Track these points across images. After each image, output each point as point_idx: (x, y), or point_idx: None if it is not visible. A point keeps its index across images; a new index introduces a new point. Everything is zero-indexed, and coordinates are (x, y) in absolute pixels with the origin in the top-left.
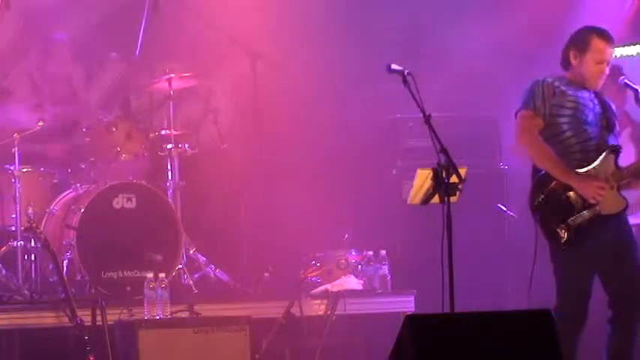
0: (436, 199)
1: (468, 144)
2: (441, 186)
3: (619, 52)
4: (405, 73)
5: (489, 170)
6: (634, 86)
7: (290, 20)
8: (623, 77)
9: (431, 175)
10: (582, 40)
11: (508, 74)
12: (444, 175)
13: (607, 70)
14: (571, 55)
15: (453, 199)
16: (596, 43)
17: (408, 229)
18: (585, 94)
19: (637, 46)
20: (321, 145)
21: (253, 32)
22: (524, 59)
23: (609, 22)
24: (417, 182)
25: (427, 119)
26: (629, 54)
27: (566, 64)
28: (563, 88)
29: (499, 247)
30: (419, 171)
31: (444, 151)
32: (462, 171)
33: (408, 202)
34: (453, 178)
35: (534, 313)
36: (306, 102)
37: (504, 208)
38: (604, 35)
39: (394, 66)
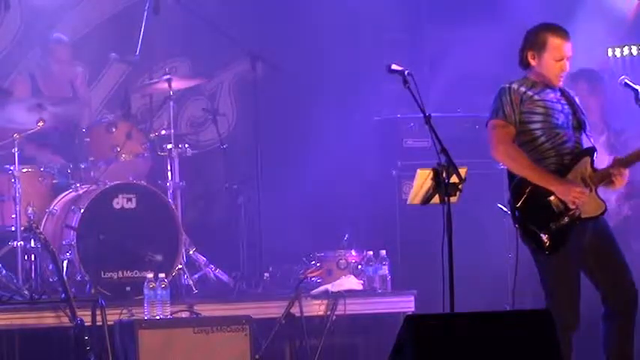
0: (436, 199)
1: (468, 144)
2: (441, 186)
3: (619, 52)
4: (405, 73)
5: (489, 170)
6: (634, 86)
7: (290, 20)
8: (623, 77)
9: (431, 175)
10: (538, 39)
11: (508, 74)
12: (444, 175)
13: (567, 67)
14: (529, 56)
15: (453, 199)
16: (553, 41)
17: (408, 229)
18: (551, 95)
19: (637, 46)
20: (321, 144)
21: (253, 32)
22: None
23: (610, 21)
24: (417, 182)
25: (427, 119)
26: (629, 54)
27: (525, 65)
28: (530, 93)
29: (499, 247)
30: (419, 171)
31: (444, 151)
32: (462, 171)
33: (408, 202)
34: (453, 178)
35: (534, 313)
36: (306, 102)
37: (504, 208)
38: (559, 32)
39: (394, 66)
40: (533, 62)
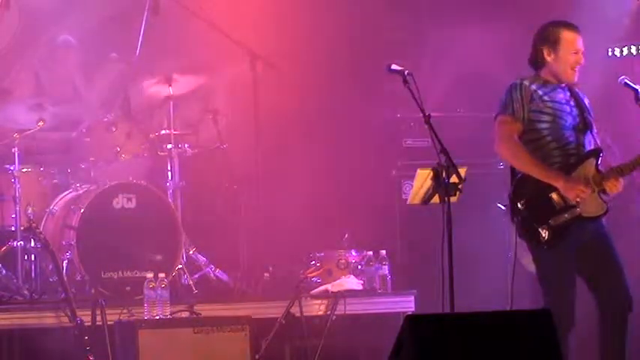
0: (436, 199)
1: (468, 144)
2: (441, 186)
3: (618, 52)
4: (405, 73)
5: (489, 170)
6: (634, 86)
7: (289, 20)
8: (623, 77)
9: (431, 175)
10: (552, 35)
11: (509, 74)
12: (444, 175)
13: (582, 60)
14: (544, 52)
15: (453, 199)
16: (566, 35)
17: (408, 229)
18: (561, 96)
19: (637, 46)
20: (321, 145)
21: (253, 33)
22: (524, 59)
23: (610, 21)
24: (417, 182)
25: (427, 119)
26: (629, 54)
27: (539, 63)
28: (540, 92)
29: (499, 247)
30: (419, 171)
31: (444, 151)
32: (462, 171)
33: (408, 202)
34: (453, 178)
35: (534, 313)
36: (306, 102)
37: (504, 208)
38: (571, 26)
39: (394, 66)
40: (549, 58)
